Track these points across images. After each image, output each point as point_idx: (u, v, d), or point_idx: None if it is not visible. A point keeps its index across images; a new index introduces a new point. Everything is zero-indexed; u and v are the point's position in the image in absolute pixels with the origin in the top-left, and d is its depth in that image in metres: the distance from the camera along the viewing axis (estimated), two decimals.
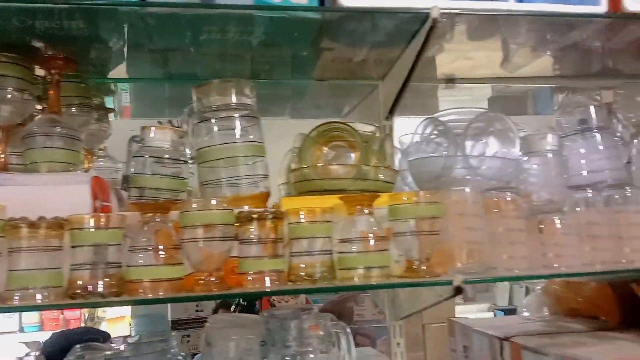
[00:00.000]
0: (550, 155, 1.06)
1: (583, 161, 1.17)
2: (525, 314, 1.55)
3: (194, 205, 0.88)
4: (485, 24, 1.04)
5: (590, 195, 1.06)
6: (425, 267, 0.95)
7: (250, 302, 2.28)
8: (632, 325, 1.28)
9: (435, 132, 1.16)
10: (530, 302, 1.57)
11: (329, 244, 0.94)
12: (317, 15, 0.89)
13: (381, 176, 1.10)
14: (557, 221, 1.01)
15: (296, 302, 2.63)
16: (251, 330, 1.04)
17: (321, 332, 1.09)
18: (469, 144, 1.15)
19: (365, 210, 0.95)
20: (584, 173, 1.16)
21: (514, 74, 1.41)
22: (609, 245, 1.04)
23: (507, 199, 1.00)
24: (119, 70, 1.21)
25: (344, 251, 0.93)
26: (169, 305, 2.25)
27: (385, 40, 1.02)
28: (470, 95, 1.78)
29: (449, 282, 0.84)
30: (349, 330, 1.11)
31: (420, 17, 0.91)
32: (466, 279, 0.85)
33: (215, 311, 2.25)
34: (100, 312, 3.70)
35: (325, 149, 1.11)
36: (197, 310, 2.38)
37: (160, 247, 0.88)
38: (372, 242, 0.92)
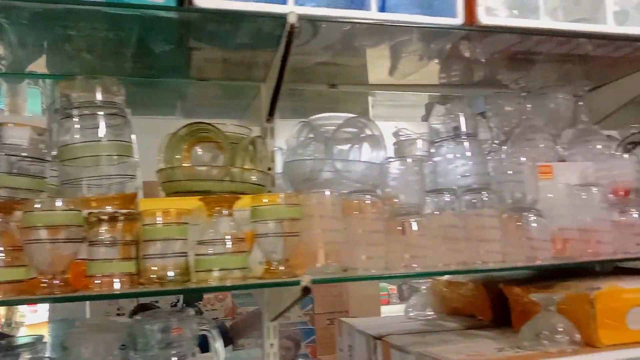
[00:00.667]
0: (410, 160, 1.09)
1: (451, 166, 1.22)
2: (412, 313, 1.60)
3: (37, 205, 0.85)
4: (356, 32, 1.06)
5: (449, 199, 1.10)
6: (284, 268, 0.96)
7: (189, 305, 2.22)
8: (502, 323, 1.35)
9: (311, 135, 1.17)
10: (415, 302, 1.62)
11: (185, 246, 0.93)
12: (174, 14, 0.89)
13: (253, 178, 1.10)
14: (415, 223, 1.05)
15: (221, 305, 2.60)
16: (111, 334, 1.02)
17: (188, 335, 1.08)
18: (344, 148, 1.17)
19: (224, 212, 0.95)
20: (451, 177, 1.21)
21: (401, 82, 1.46)
22: (466, 246, 1.09)
23: (367, 201, 1.03)
24: None
25: (201, 253, 0.93)
26: (87, 308, 2.17)
27: (253, 42, 1.03)
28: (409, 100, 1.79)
29: (297, 283, 0.86)
30: (216, 332, 1.11)
31: (280, 22, 0.92)
32: (314, 279, 0.87)
33: (133, 314, 2.18)
34: (19, 317, 3.53)
35: (199, 150, 1.11)
36: (118, 314, 2.31)
37: (1, 248, 0.84)
38: (229, 244, 0.92)
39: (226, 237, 0.93)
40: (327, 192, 0.99)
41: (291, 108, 1.49)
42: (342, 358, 1.57)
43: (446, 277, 1.64)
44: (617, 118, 1.54)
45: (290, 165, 1.14)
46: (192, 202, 0.96)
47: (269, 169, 1.26)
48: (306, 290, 0.86)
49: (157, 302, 2.12)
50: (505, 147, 1.32)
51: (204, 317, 1.17)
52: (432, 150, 1.28)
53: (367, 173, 1.09)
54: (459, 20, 1.02)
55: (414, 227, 1.05)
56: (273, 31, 0.96)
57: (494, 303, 1.38)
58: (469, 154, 1.22)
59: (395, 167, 1.07)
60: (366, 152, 1.17)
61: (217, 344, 1.12)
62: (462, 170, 1.22)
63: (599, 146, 1.27)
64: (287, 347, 3.05)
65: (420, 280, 1.73)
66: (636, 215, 1.17)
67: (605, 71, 1.44)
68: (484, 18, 1.02)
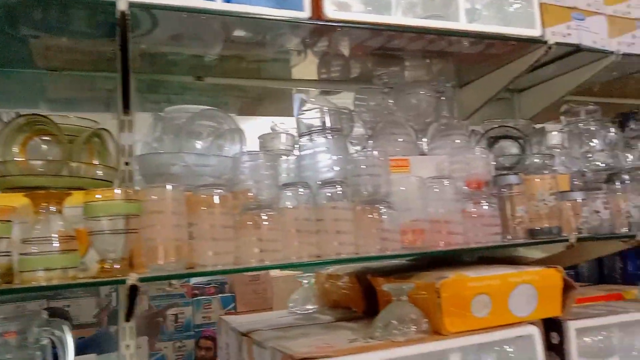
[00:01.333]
0: (262, 154, 1.08)
1: (313, 161, 1.22)
2: (293, 308, 1.60)
3: None
4: (203, 22, 1.03)
5: (303, 192, 1.10)
6: (119, 267, 0.92)
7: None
8: (373, 314, 1.37)
9: (166, 128, 1.14)
10: (297, 297, 1.62)
11: (10, 245, 0.88)
12: None
13: (99, 172, 1.05)
14: (267, 217, 1.04)
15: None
16: None
17: (30, 340, 1.02)
18: (200, 141, 1.15)
19: (52, 209, 0.90)
20: (315, 171, 1.21)
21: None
22: (320, 239, 1.09)
23: (215, 196, 1.01)
24: None
25: (25, 252, 0.87)
26: None
27: (91, 31, 0.98)
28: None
29: (123, 282, 0.82)
30: (63, 335, 1.05)
31: (111, 9, 0.88)
32: (142, 278, 0.84)
33: None
34: None
35: (37, 143, 1.04)
36: None
37: None
38: (56, 242, 0.88)
39: (53, 235, 0.88)
40: (169, 187, 0.96)
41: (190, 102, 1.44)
42: (222, 356, 1.55)
43: (328, 270, 1.66)
44: (485, 113, 1.61)
45: (142, 160, 1.10)
46: (17, 199, 0.90)
47: (127, 163, 1.22)
48: (133, 289, 0.83)
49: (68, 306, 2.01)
50: (371, 142, 1.34)
51: (61, 321, 1.10)
52: (300, 144, 1.28)
53: (219, 167, 1.07)
54: (305, 13, 1.02)
55: (265, 221, 1.04)
56: (107, 19, 0.92)
57: (366, 295, 1.40)
58: (331, 148, 1.23)
59: (249, 161, 1.06)
60: (224, 146, 1.15)
61: (62, 351, 1.06)
62: (324, 164, 1.23)
63: (457, 140, 1.31)
64: (206, 347, 2.99)
65: (304, 275, 1.74)
66: (486, 207, 1.22)
67: (472, 68, 1.49)
68: (330, 12, 1.03)
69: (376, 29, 1.09)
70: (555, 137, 1.51)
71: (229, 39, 1.08)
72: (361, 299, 1.42)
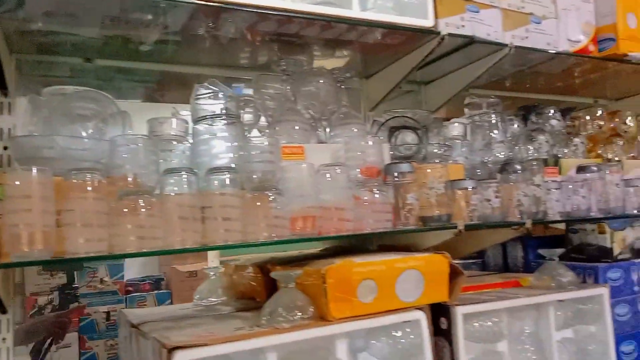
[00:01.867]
0: (140, 138, 1.05)
1: (206, 147, 1.19)
2: (199, 300, 1.57)
3: None
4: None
5: (186, 178, 1.07)
6: None
7: None
8: None
9: (43, 109, 1.09)
10: (203, 288, 1.60)
11: None
12: None
13: None
14: (145, 203, 1.01)
15: None
16: None
17: None
18: (80, 124, 1.10)
19: None
20: (208, 158, 1.19)
21: None
22: (205, 226, 1.07)
23: (88, 181, 0.97)
24: None
25: None
26: None
27: None
28: None
29: None
30: None
31: None
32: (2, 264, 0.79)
33: None
34: None
35: None
36: None
37: None
38: None
39: None
40: (34, 170, 0.92)
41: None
42: (121, 349, 1.50)
43: (237, 262, 1.64)
44: (394, 104, 1.63)
45: (15, 143, 1.04)
46: None
47: (5, 148, 1.16)
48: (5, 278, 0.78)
49: None
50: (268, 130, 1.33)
51: None
52: (194, 130, 1.25)
53: (96, 151, 1.03)
54: None
55: (144, 207, 1.01)
56: None
57: (268, 285, 1.39)
58: (227, 135, 1.21)
59: (126, 145, 1.02)
60: (108, 131, 1.11)
61: None
62: (217, 151, 1.21)
63: (355, 129, 1.32)
64: None
65: (210, 267, 1.72)
66: (378, 195, 1.23)
67: (375, 59, 1.50)
68: None
69: (262, 12, 1.07)
70: (456, 128, 1.55)
71: (107, 17, 1.04)
72: (263, 289, 1.41)
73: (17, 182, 0.92)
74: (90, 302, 3.36)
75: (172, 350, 0.93)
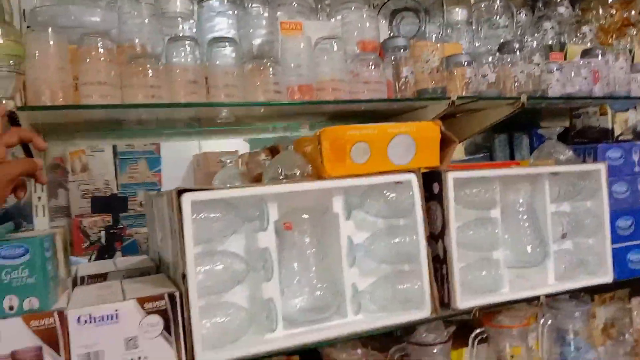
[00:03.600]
0: (148, 8, 1.13)
1: (210, 24, 1.27)
2: None
3: None
4: None
5: (190, 46, 1.16)
6: None
7: None
8: None
9: None
10: (219, 176, 1.71)
11: None
12: None
13: None
14: (152, 68, 1.10)
15: None
16: None
17: None
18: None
19: None
20: (212, 32, 1.27)
21: None
22: (206, 93, 1.16)
23: (100, 44, 1.07)
24: None
25: None
26: None
27: None
28: None
29: None
30: None
31: None
32: (28, 106, 0.90)
33: None
34: None
35: None
36: None
37: None
38: None
39: None
40: (50, 30, 1.02)
41: None
42: (148, 225, 1.65)
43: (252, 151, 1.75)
44: None
45: (33, 13, 1.14)
46: None
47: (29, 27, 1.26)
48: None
49: None
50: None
51: None
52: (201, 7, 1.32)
53: (106, 20, 1.12)
54: None
55: (151, 70, 1.11)
56: None
57: None
58: (227, 12, 1.28)
59: (133, 14, 1.11)
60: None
61: None
62: (219, 27, 1.28)
63: (353, 7, 1.36)
64: None
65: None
66: (374, 69, 1.29)
67: None
68: None
69: None
70: (460, 13, 1.57)
71: None
72: None
73: (37, 40, 1.03)
74: (132, 223, 3.61)
75: (180, 192, 1.04)
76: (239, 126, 1.52)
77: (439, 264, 1.29)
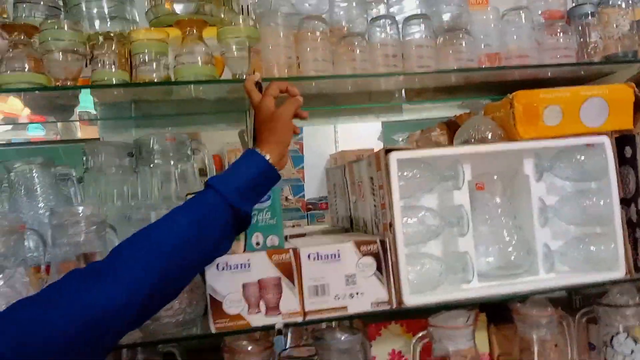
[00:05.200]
0: None
1: (399, 6, 1.40)
2: None
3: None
4: None
5: (390, 24, 1.29)
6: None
7: None
8: None
9: None
10: None
11: (166, 62, 1.18)
12: None
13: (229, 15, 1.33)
14: (358, 45, 1.25)
15: None
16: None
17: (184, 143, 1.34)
18: None
19: (195, 33, 1.18)
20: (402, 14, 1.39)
21: None
22: (403, 64, 1.29)
23: (317, 27, 1.24)
24: None
25: (179, 63, 1.17)
26: None
27: None
28: None
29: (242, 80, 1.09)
30: None
31: None
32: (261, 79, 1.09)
33: None
34: None
35: None
36: None
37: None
38: (200, 57, 1.17)
39: (197, 53, 1.17)
40: (279, 15, 1.21)
41: None
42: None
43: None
44: None
45: (257, 4, 1.35)
46: (170, 31, 1.20)
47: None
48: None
49: None
50: None
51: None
52: None
53: (317, 7, 1.29)
54: None
55: (358, 48, 1.26)
56: None
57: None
58: None
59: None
60: None
61: None
62: (409, 7, 1.40)
63: None
64: None
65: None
66: (562, 37, 1.33)
67: None
68: None
69: None
70: None
71: None
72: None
73: (267, 27, 1.22)
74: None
75: (388, 151, 1.17)
76: (378, 103, 1.62)
77: (632, 228, 1.29)
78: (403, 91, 1.59)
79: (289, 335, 1.23)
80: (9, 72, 1.10)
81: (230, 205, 0.91)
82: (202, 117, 1.56)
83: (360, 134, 3.40)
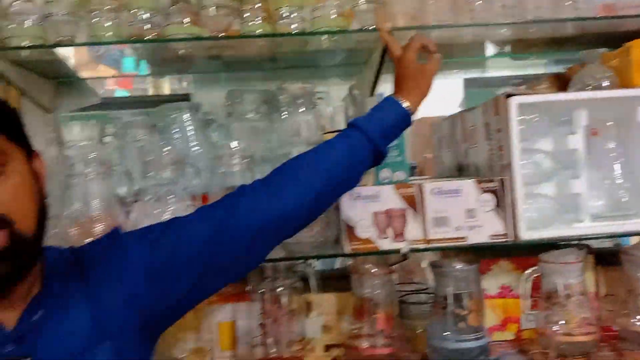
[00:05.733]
0: None
1: None
2: None
3: None
4: None
5: None
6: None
7: None
8: None
9: None
10: None
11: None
12: None
13: None
14: None
15: None
16: None
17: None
18: None
19: None
20: None
21: None
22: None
23: None
24: None
25: (313, 17, 1.30)
26: None
27: None
28: None
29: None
30: None
31: None
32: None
33: None
34: None
35: None
36: None
37: None
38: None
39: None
40: None
41: None
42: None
43: None
44: None
45: None
46: None
47: None
48: None
49: None
50: None
51: None
52: None
53: None
54: None
55: None
56: None
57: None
58: None
59: None
60: None
61: None
62: None
63: None
64: None
65: None
66: None
67: None
68: None
69: None
70: None
71: None
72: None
73: None
74: None
75: (508, 96, 1.25)
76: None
77: None
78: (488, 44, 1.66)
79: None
80: (171, 25, 1.27)
81: (373, 144, 1.04)
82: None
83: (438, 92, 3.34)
